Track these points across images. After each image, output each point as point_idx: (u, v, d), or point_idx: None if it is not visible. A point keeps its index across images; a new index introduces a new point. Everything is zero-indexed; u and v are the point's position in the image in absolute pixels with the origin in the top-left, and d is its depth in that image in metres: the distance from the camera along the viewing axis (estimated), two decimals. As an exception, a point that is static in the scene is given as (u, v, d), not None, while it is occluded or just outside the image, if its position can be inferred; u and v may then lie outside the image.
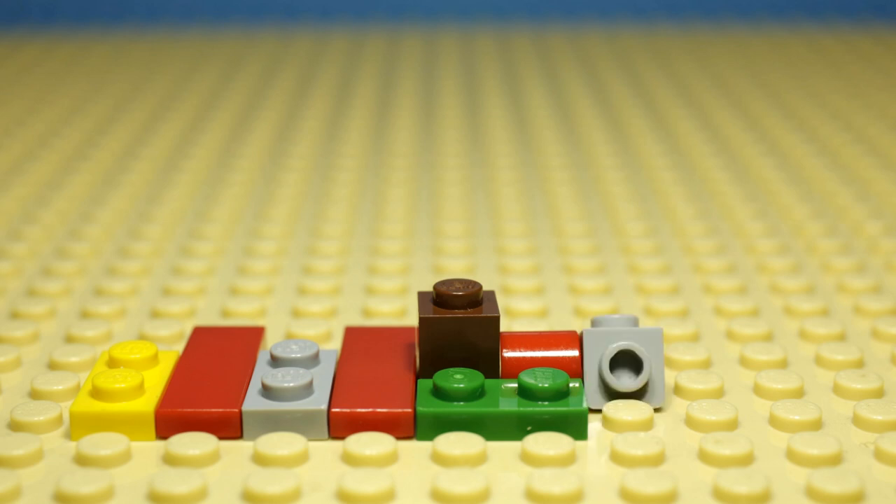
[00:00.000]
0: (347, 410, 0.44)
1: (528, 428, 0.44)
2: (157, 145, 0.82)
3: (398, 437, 0.44)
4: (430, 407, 0.44)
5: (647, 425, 0.45)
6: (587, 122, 0.87)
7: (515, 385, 0.45)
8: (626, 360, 0.47)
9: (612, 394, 0.46)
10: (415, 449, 0.44)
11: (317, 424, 0.44)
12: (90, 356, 0.50)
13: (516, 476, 0.42)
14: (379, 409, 0.45)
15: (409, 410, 0.45)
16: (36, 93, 0.96)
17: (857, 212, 0.69)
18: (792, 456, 0.43)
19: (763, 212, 0.69)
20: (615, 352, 0.46)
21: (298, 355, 0.47)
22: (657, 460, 0.43)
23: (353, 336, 0.50)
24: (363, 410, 0.45)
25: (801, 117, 0.88)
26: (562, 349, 0.47)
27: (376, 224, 0.67)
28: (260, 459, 0.43)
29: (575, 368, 0.47)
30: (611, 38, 1.15)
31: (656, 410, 0.46)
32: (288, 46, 1.12)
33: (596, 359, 0.46)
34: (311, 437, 0.44)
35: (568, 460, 0.43)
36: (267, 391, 0.45)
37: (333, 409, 0.45)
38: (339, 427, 0.44)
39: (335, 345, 0.53)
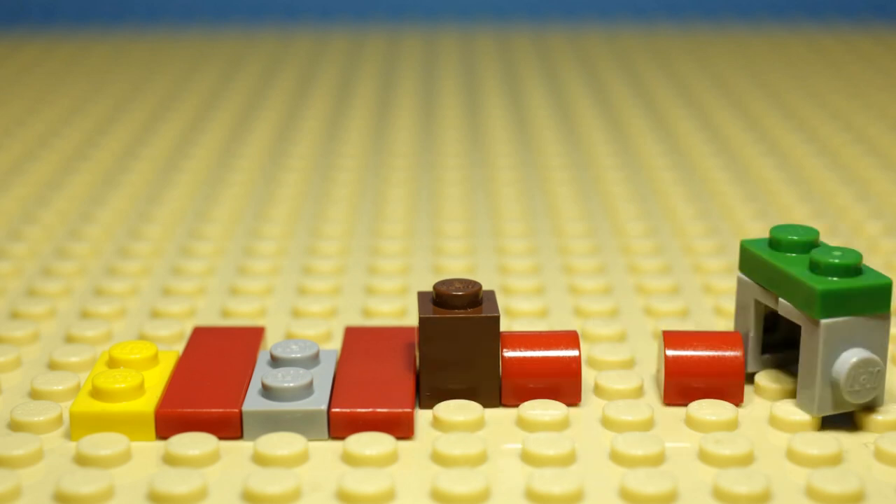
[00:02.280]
0: (347, 410, 0.44)
1: None
2: (157, 145, 0.82)
3: (398, 437, 0.44)
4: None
5: (647, 425, 0.45)
6: (587, 122, 0.87)
7: None
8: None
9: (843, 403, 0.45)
10: (415, 449, 0.44)
11: (317, 424, 0.44)
12: (90, 356, 0.50)
13: (516, 476, 0.42)
14: (379, 409, 0.45)
15: (409, 410, 0.45)
16: (36, 93, 0.96)
17: (857, 212, 0.69)
18: (792, 456, 0.43)
19: (763, 212, 0.69)
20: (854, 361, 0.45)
21: (298, 355, 0.47)
22: (657, 460, 0.43)
23: (353, 336, 0.50)
24: (363, 410, 0.45)
25: (801, 117, 0.88)
26: (562, 349, 0.47)
27: (376, 224, 0.67)
28: (260, 459, 0.43)
29: (575, 368, 0.46)
30: (611, 38, 1.15)
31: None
32: (288, 46, 1.12)
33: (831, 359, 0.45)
34: (311, 438, 0.44)
35: (568, 460, 0.43)
36: (267, 391, 0.45)
37: (333, 409, 0.45)
38: (339, 427, 0.44)
39: (335, 345, 0.53)
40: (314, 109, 0.91)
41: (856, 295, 0.44)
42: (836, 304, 0.44)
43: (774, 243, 0.47)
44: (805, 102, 0.93)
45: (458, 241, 0.64)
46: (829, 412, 0.45)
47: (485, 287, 0.58)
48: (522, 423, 0.45)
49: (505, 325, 0.54)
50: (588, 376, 0.49)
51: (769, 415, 0.46)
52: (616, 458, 0.43)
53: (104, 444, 0.43)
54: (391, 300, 0.57)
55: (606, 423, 0.45)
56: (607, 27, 1.19)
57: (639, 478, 0.41)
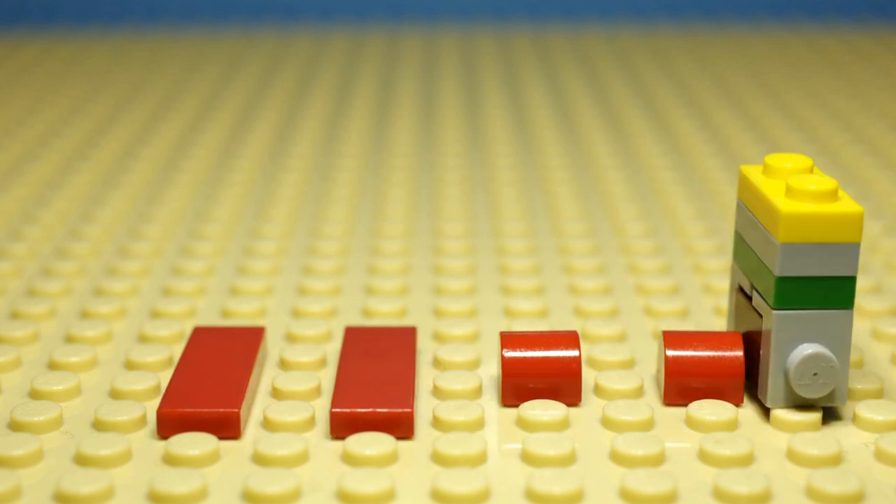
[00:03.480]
0: (347, 410, 0.44)
1: None
2: (157, 145, 0.82)
3: (398, 437, 0.44)
4: None
5: (647, 425, 0.45)
6: (587, 122, 0.87)
7: None
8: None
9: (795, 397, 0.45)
10: (415, 449, 0.44)
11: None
12: (90, 356, 0.50)
13: (516, 476, 0.42)
14: (379, 409, 0.45)
15: (409, 410, 0.45)
16: (36, 93, 0.96)
17: (857, 212, 0.69)
18: (792, 456, 0.43)
19: (763, 212, 0.69)
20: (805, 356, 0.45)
21: None
22: (657, 460, 0.43)
23: (353, 336, 0.50)
24: (363, 410, 0.45)
25: (801, 117, 0.88)
26: (562, 349, 0.47)
27: (376, 224, 0.67)
28: (260, 459, 0.43)
29: (575, 368, 0.46)
30: (611, 38, 1.15)
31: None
32: (288, 46, 1.12)
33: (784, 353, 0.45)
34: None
35: (568, 460, 0.43)
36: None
37: (333, 410, 0.45)
38: (339, 427, 0.44)
39: (335, 345, 0.53)
40: (314, 109, 0.91)
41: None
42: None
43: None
44: (805, 102, 0.92)
45: (458, 241, 0.64)
46: (781, 405, 0.45)
47: (484, 287, 0.59)
48: (522, 423, 0.45)
49: (505, 325, 0.54)
50: (588, 376, 0.49)
51: (769, 415, 0.46)
52: (616, 458, 0.43)
53: (104, 444, 0.43)
54: (391, 300, 0.57)
55: (606, 423, 0.45)
56: (607, 27, 1.19)
57: (639, 478, 0.41)
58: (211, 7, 1.22)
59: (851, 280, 0.44)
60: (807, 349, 0.44)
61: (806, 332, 0.44)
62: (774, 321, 0.44)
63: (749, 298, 0.47)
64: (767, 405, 0.45)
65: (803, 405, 0.45)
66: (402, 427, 0.44)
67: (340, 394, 0.45)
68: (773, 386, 0.45)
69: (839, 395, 0.45)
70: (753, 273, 0.46)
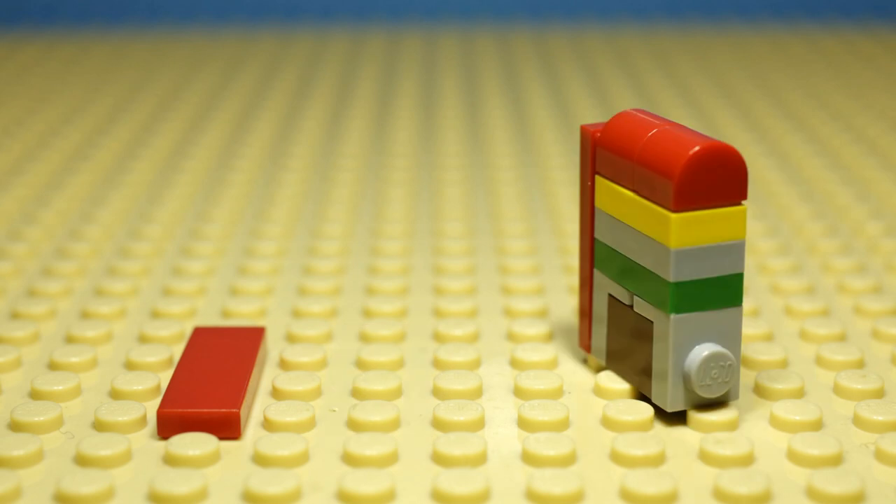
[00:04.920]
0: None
1: None
2: (157, 145, 0.82)
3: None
4: None
5: (647, 425, 0.45)
6: (587, 122, 0.87)
7: None
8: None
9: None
10: (415, 449, 0.44)
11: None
12: (90, 356, 0.50)
13: (516, 476, 0.42)
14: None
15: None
16: (36, 93, 0.96)
17: (858, 212, 0.69)
18: (792, 456, 0.43)
19: (763, 212, 0.69)
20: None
21: None
22: (657, 460, 0.43)
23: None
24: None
25: (801, 117, 0.88)
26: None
27: (376, 224, 0.67)
28: (260, 459, 0.43)
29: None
30: (611, 38, 1.15)
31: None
32: (288, 46, 1.12)
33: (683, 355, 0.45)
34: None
35: (568, 460, 0.43)
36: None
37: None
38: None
39: (336, 345, 0.52)
40: (314, 109, 0.91)
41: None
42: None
43: None
44: (805, 102, 0.93)
45: (458, 241, 0.64)
46: (682, 407, 0.45)
47: (484, 287, 0.59)
48: (522, 423, 0.45)
49: (505, 325, 0.54)
50: (588, 377, 0.49)
51: (769, 415, 0.46)
52: (616, 458, 0.43)
53: (104, 444, 0.43)
54: (391, 300, 0.57)
55: (606, 423, 0.45)
56: (607, 27, 1.19)
57: (639, 478, 0.41)
58: (211, 7, 1.22)
59: (739, 277, 0.44)
60: (704, 350, 0.44)
61: (701, 333, 0.44)
62: (672, 326, 0.44)
63: (627, 306, 0.47)
64: (668, 409, 0.45)
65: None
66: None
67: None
68: (673, 389, 0.45)
69: (734, 392, 0.45)
70: (630, 279, 0.46)
